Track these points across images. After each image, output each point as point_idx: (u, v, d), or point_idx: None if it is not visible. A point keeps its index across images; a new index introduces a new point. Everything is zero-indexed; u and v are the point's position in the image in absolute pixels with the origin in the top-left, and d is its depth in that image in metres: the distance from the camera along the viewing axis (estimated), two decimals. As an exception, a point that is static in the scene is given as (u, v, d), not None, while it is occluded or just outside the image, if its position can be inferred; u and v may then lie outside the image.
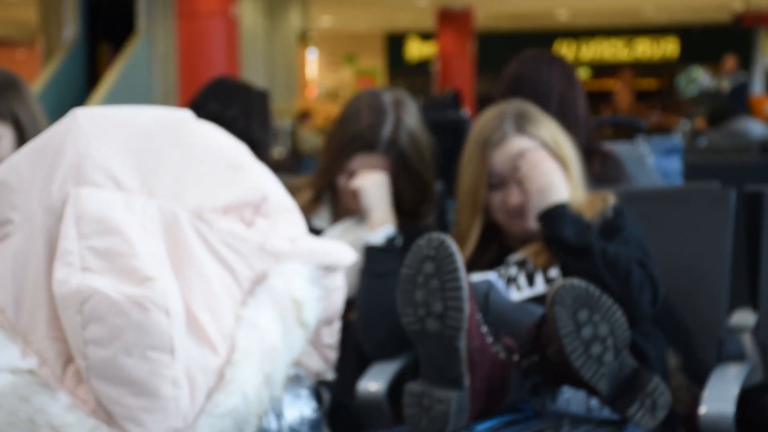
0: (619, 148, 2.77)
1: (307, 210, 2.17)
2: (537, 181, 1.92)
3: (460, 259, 1.52)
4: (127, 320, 1.43)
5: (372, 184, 2.11)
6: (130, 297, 1.43)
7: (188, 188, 1.60)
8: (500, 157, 1.98)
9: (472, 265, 1.95)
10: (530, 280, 1.94)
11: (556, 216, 1.89)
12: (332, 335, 1.76)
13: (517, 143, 1.98)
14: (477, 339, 1.54)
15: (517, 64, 2.51)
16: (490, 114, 2.03)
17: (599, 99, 12.68)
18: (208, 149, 1.65)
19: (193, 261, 1.55)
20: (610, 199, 2.00)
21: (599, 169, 2.42)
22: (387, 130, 2.12)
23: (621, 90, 12.93)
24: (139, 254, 1.48)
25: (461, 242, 1.99)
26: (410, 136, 2.13)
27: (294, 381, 1.67)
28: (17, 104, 2.19)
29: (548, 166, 1.93)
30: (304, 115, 10.86)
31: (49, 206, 1.53)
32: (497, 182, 1.99)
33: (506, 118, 2.00)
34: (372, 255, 2.06)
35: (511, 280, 1.95)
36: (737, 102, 6.44)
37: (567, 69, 2.50)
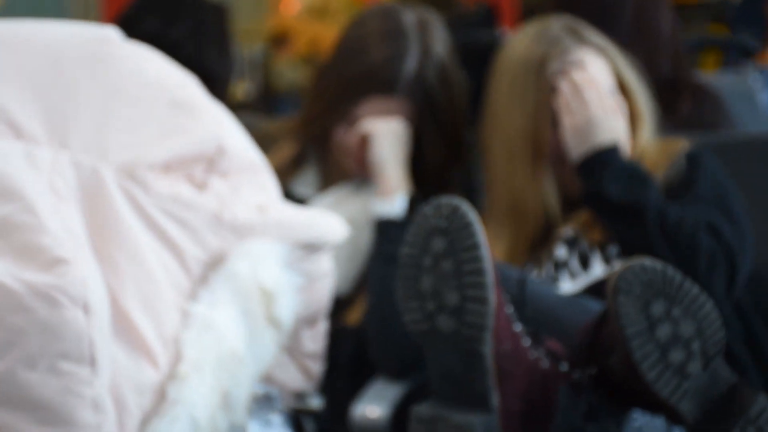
0: (719, 79, 2.78)
1: (286, 171, 2.20)
2: (577, 115, 1.94)
3: (481, 232, 1.53)
4: (29, 319, 1.44)
5: (387, 132, 2.13)
6: (32, 286, 1.45)
7: (115, 137, 1.61)
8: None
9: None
10: (584, 263, 1.97)
11: (598, 163, 1.91)
12: (316, 340, 1.78)
13: (587, 57, 2.03)
14: (508, 341, 1.55)
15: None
16: (532, 30, 2.08)
17: (694, 9, 12.50)
18: (143, 83, 1.67)
19: (123, 237, 1.57)
20: (682, 144, 2.02)
21: (690, 108, 2.44)
22: (410, 64, 2.15)
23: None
24: (47, 227, 1.50)
25: (522, 220, 2.01)
26: (440, 73, 2.16)
27: (263, 402, 1.70)
28: None
29: (593, 95, 1.96)
30: (279, 39, 10.81)
31: None
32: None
33: (559, 30, 2.05)
34: (387, 231, 2.09)
35: (560, 265, 1.98)
36: None
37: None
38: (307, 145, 2.26)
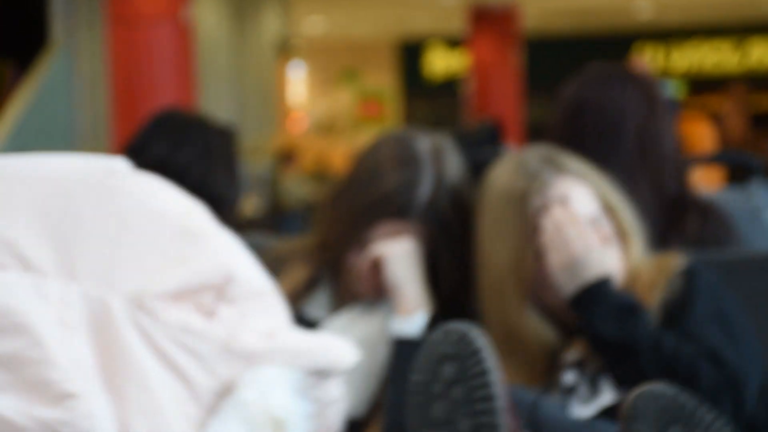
0: (724, 197, 2.79)
1: (299, 294, 2.19)
2: (562, 253, 1.95)
3: (491, 357, 1.52)
4: None
5: (400, 253, 2.13)
6: (41, 422, 1.44)
7: (123, 267, 1.61)
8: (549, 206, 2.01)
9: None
10: (594, 387, 1.95)
11: (587, 301, 1.92)
12: (327, 467, 1.76)
13: (566, 185, 2.04)
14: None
15: (578, 82, 2.55)
16: (510, 162, 2.09)
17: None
18: (150, 214, 1.67)
19: (132, 368, 1.56)
20: (676, 261, 2.02)
21: (697, 225, 2.43)
22: (424, 190, 2.15)
23: (730, 113, 12.95)
24: (55, 361, 1.49)
25: (520, 351, 2.00)
26: (453, 198, 2.16)
27: None
28: None
29: (574, 232, 1.97)
30: (287, 156, 10.93)
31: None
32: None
33: (537, 161, 2.07)
34: (406, 351, 2.06)
35: (569, 391, 1.96)
36: None
37: (648, 88, 2.53)
38: (320, 268, 2.25)
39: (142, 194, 1.70)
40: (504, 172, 2.10)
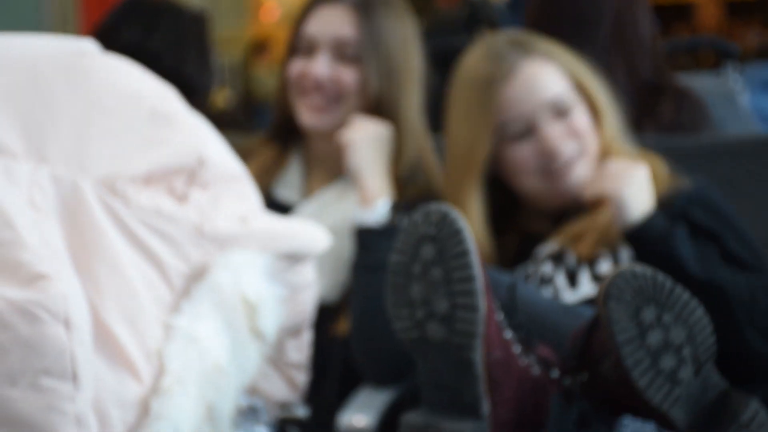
0: (700, 82, 2.78)
1: (267, 174, 2.20)
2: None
3: (470, 239, 1.53)
4: (9, 336, 1.43)
5: (364, 138, 2.13)
6: (12, 303, 1.44)
7: (94, 150, 1.60)
8: (515, 93, 2.02)
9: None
10: (572, 280, 1.96)
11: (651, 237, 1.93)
12: (300, 350, 1.77)
13: (532, 70, 2.03)
14: (499, 348, 1.54)
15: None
16: (479, 48, 2.09)
17: (673, 14, 12.65)
18: (122, 95, 1.66)
19: (104, 251, 1.55)
20: (677, 180, 2.02)
21: (672, 111, 2.43)
22: None
23: (705, 0, 12.92)
24: (26, 242, 1.48)
25: None
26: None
27: (248, 414, 1.68)
28: None
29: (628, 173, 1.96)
30: (259, 47, 10.83)
31: None
32: (520, 130, 2.02)
33: (504, 46, 2.07)
34: (368, 240, 2.08)
35: (545, 281, 1.97)
36: None
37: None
38: (288, 146, 2.27)
39: (114, 76, 1.68)
40: (472, 56, 2.09)
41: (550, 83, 2.04)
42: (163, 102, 1.69)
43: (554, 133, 2.02)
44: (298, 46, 2.25)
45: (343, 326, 2.11)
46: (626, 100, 2.19)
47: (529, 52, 2.05)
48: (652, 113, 2.35)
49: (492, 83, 2.03)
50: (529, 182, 2.05)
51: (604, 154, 2.03)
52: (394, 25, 2.23)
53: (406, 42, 2.24)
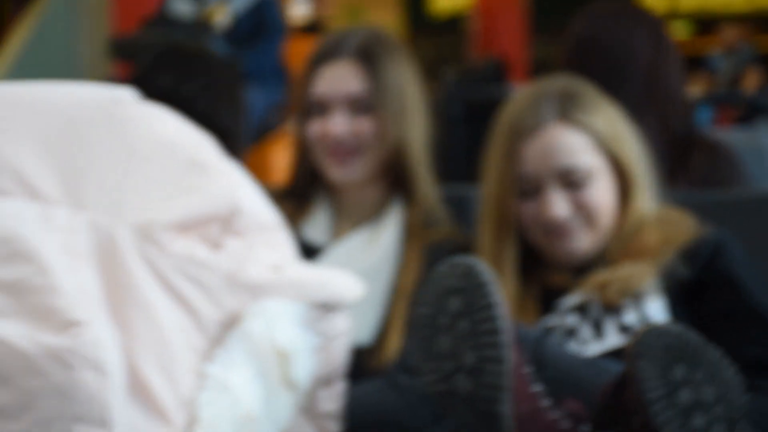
0: (731, 137, 2.78)
1: (295, 217, 2.23)
2: None
3: (497, 291, 1.52)
4: (43, 382, 1.44)
5: None
6: (46, 349, 1.45)
7: (130, 197, 1.61)
8: (533, 151, 2.02)
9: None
10: (597, 330, 1.96)
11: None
12: (333, 400, 1.76)
13: (557, 134, 2.02)
14: (527, 402, 1.54)
15: (586, 20, 2.54)
16: (526, 94, 2.09)
17: (702, 65, 12.67)
18: (158, 143, 1.67)
19: (138, 298, 1.56)
20: (691, 225, 2.01)
21: (705, 165, 2.43)
22: (354, 37, 2.29)
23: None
24: (61, 289, 1.49)
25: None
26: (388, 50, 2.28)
27: (279, 465, 1.67)
28: None
29: None
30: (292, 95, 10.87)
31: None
32: (531, 187, 2.03)
33: (547, 99, 2.05)
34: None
35: (569, 334, 1.96)
36: None
37: (656, 26, 2.52)
38: (308, 198, 2.32)
39: (151, 123, 1.69)
40: (516, 101, 2.09)
41: (570, 152, 2.03)
42: (199, 150, 1.70)
43: (556, 200, 2.01)
44: (309, 107, 2.29)
45: (377, 369, 2.13)
46: (658, 154, 2.20)
47: (567, 112, 2.04)
48: (684, 167, 2.35)
49: (519, 135, 2.03)
50: (535, 239, 2.05)
51: (635, 227, 2.03)
52: (398, 69, 2.27)
53: (411, 82, 2.29)
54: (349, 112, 2.25)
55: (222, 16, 4.99)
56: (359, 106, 2.25)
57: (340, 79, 2.26)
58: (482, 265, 1.54)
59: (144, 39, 4.78)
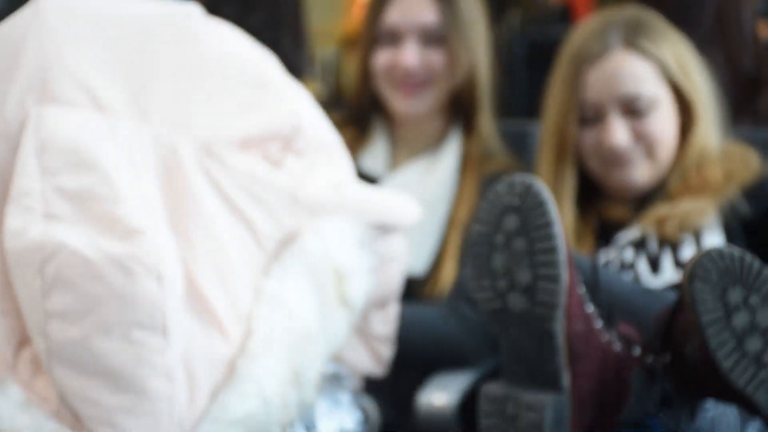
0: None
1: (354, 145, 2.24)
2: None
3: (554, 210, 1.52)
4: (105, 287, 1.45)
5: None
6: (108, 255, 1.46)
7: (195, 112, 1.63)
8: (596, 78, 2.02)
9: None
10: (654, 266, 1.96)
11: None
12: (386, 323, 1.78)
13: (622, 61, 2.02)
14: (581, 321, 1.54)
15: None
16: (593, 21, 2.09)
17: None
18: (225, 60, 1.68)
19: (199, 211, 1.58)
20: (758, 167, 2.00)
21: None
22: None
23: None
24: (124, 198, 1.51)
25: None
26: None
27: (332, 381, 1.70)
28: None
29: None
30: (352, 42, 10.82)
31: (1, 131, 1.56)
32: (592, 115, 2.03)
33: (613, 27, 2.05)
34: None
35: (626, 267, 1.97)
36: None
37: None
38: (368, 127, 2.32)
39: (219, 41, 1.71)
40: (582, 29, 2.09)
41: (634, 80, 2.03)
42: (264, 69, 1.71)
43: (617, 128, 2.02)
44: (379, 35, 2.28)
45: (429, 300, 2.14)
46: (725, 90, 2.18)
47: (633, 39, 2.03)
48: (751, 105, 2.34)
49: (583, 62, 2.03)
50: (594, 168, 2.06)
51: (695, 158, 2.02)
52: (470, 2, 2.26)
53: (481, 17, 2.28)
54: (421, 43, 2.25)
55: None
56: (432, 37, 2.25)
57: (414, 8, 2.26)
58: (540, 184, 1.53)
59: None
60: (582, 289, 1.56)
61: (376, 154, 2.30)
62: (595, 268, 1.67)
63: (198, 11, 1.74)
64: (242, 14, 2.78)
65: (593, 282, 1.63)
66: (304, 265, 1.62)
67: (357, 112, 2.35)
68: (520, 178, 1.55)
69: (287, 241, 1.63)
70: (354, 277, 1.66)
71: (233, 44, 1.72)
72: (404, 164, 2.29)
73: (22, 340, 1.52)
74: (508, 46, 2.99)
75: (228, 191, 1.61)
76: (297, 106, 1.72)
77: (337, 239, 1.65)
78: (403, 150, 2.31)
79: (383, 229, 1.72)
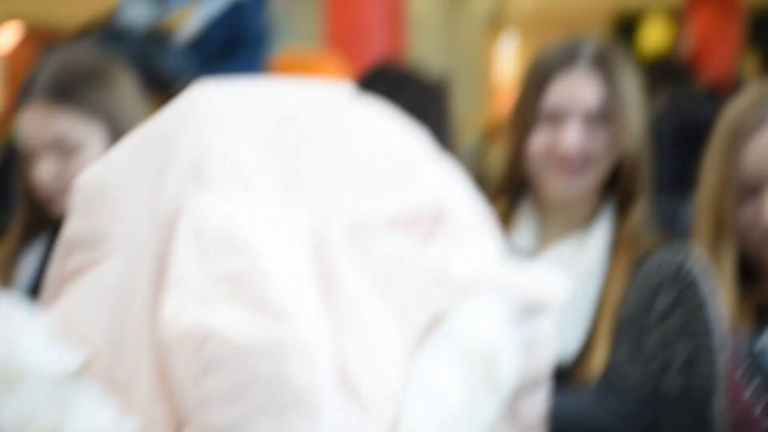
0: None
1: (505, 218, 2.25)
2: None
3: (708, 290, 1.49)
4: (254, 372, 1.47)
5: None
6: (260, 339, 1.47)
7: (344, 194, 1.64)
8: (756, 150, 1.98)
9: None
10: None
11: None
12: (536, 406, 1.75)
13: None
14: (739, 408, 1.51)
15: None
16: (748, 95, 2.05)
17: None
18: (374, 141, 1.70)
19: (347, 293, 1.59)
20: None
21: None
22: (587, 48, 2.27)
23: None
24: (276, 282, 1.52)
25: None
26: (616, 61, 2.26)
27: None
28: (108, 96, 2.32)
29: None
30: (494, 131, 10.82)
31: (158, 218, 1.60)
32: (751, 189, 1.99)
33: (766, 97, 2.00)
34: None
35: None
36: None
37: None
38: (520, 197, 2.32)
39: (369, 123, 1.73)
40: (736, 102, 2.06)
41: None
42: (411, 148, 1.73)
43: None
44: (539, 116, 2.26)
45: (579, 385, 2.11)
46: None
47: None
48: None
49: (742, 133, 1.99)
50: (755, 248, 2.00)
51: None
52: (630, 77, 2.24)
53: (640, 96, 2.26)
54: (583, 124, 2.23)
55: (187, 24, 4.34)
56: (594, 118, 2.22)
57: (578, 90, 2.23)
58: (691, 262, 1.51)
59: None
60: (740, 374, 1.53)
61: (525, 230, 2.30)
62: (756, 350, 1.63)
63: (348, 90, 1.76)
64: (388, 99, 2.82)
65: (755, 365, 1.60)
66: (452, 349, 1.61)
67: (507, 187, 2.34)
68: (671, 255, 1.53)
69: (434, 323, 1.62)
70: (503, 358, 1.64)
71: (384, 126, 1.74)
72: (554, 242, 2.28)
73: (180, 424, 1.54)
74: (657, 124, 2.99)
75: (376, 273, 1.61)
76: (444, 186, 1.72)
77: (486, 319, 1.64)
78: (553, 228, 2.30)
79: (533, 309, 1.70)
